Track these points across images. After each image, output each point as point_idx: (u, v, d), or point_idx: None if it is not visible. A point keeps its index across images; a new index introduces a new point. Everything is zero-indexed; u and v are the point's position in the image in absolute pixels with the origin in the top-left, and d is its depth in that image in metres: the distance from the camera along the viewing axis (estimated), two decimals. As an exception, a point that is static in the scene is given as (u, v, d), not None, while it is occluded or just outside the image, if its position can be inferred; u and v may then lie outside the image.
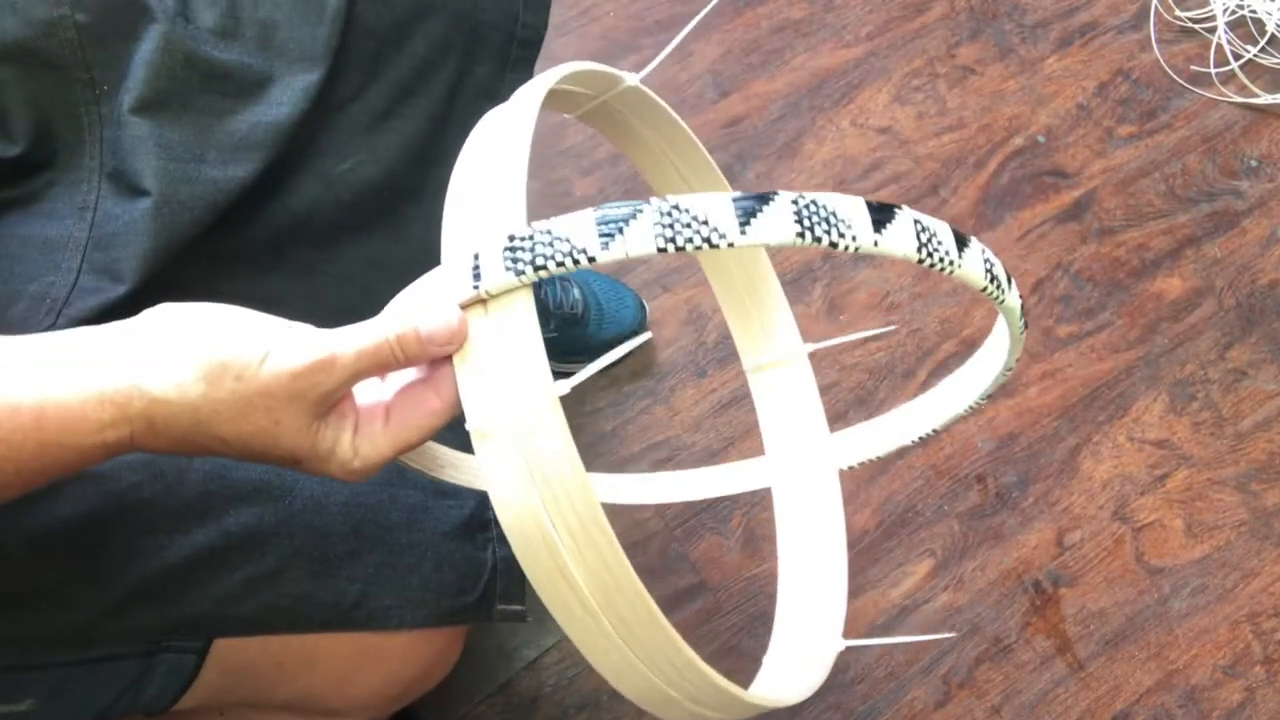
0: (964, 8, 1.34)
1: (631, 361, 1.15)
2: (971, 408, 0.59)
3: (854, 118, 1.28)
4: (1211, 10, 1.36)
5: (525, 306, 0.39)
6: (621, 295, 1.12)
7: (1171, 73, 1.33)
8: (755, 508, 1.09)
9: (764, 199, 0.37)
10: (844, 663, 1.05)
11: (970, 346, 1.18)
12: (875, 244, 0.37)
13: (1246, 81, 1.33)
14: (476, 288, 0.39)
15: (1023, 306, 0.46)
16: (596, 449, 1.11)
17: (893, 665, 1.05)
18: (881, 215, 0.38)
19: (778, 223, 0.37)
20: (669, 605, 1.05)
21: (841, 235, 0.37)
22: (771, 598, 1.08)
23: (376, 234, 0.65)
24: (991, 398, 1.16)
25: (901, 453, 1.13)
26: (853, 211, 0.37)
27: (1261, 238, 1.26)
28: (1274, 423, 1.18)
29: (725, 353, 1.16)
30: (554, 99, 0.54)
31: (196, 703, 0.59)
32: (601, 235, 0.37)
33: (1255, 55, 1.34)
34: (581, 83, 0.52)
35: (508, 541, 0.66)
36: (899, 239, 0.38)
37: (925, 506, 1.12)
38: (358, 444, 0.42)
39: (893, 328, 0.78)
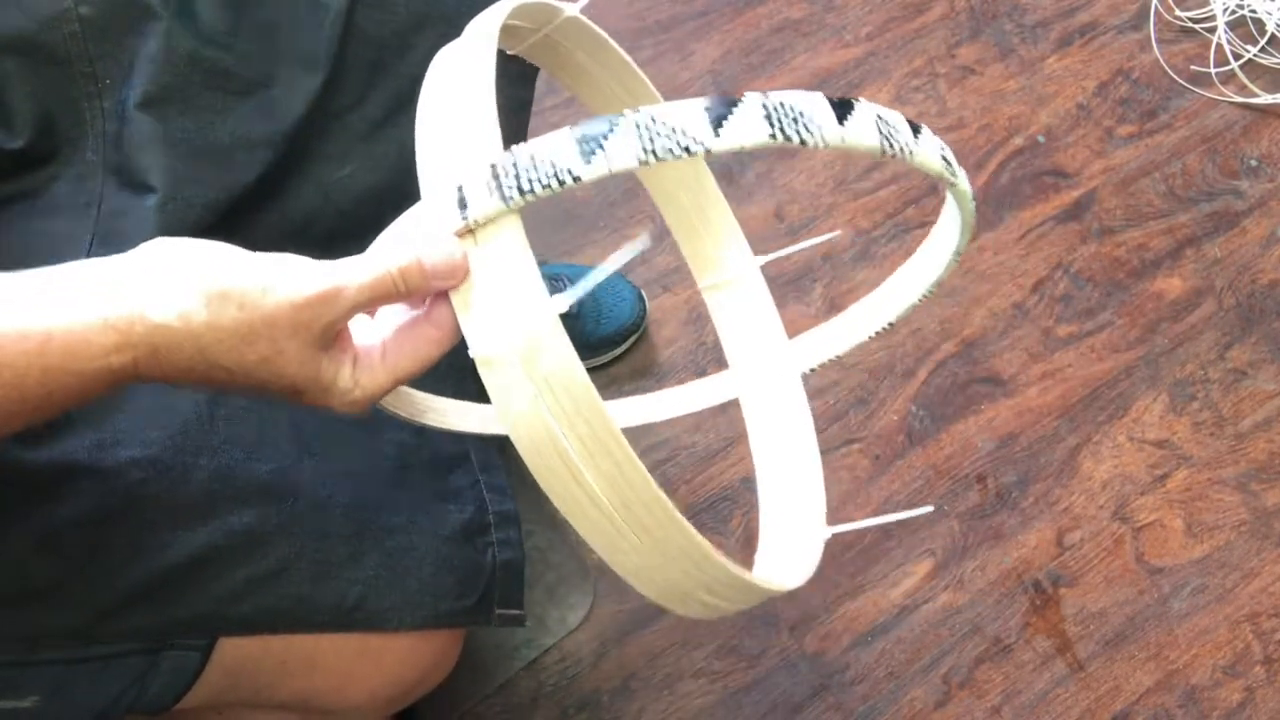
0: (964, 8, 1.35)
1: (631, 361, 1.15)
2: (924, 296, 0.60)
3: (854, 118, 1.28)
4: (1211, 10, 1.36)
5: (515, 231, 0.40)
6: (619, 290, 1.12)
7: (1171, 73, 1.33)
8: (755, 508, 1.09)
9: (732, 103, 0.37)
10: (844, 662, 1.05)
11: (970, 346, 1.18)
12: (842, 139, 0.38)
13: (1246, 81, 1.33)
14: (464, 219, 0.40)
15: (972, 192, 0.46)
16: (597, 449, 1.11)
17: (893, 665, 1.05)
18: (842, 110, 0.39)
19: (749, 125, 0.37)
20: (669, 605, 1.06)
21: (810, 133, 0.38)
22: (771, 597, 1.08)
23: (372, 242, 0.65)
24: (991, 397, 1.16)
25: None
26: (817, 108, 0.38)
27: (1261, 238, 1.26)
28: (1274, 423, 1.18)
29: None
30: (504, 34, 0.55)
31: (198, 702, 0.59)
32: (584, 152, 0.38)
33: (1255, 55, 1.34)
34: (524, 16, 0.53)
35: (508, 545, 0.67)
36: (862, 130, 0.39)
37: (925, 506, 1.12)
38: (357, 376, 0.43)
39: (837, 233, 0.79)
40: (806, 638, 1.06)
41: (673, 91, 1.25)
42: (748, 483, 1.11)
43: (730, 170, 1.22)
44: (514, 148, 0.39)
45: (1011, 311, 1.20)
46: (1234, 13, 1.36)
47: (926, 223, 1.23)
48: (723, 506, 1.09)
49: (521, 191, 0.39)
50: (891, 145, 0.40)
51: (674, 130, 0.37)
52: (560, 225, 1.20)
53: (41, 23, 0.53)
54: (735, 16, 1.31)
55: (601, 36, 0.57)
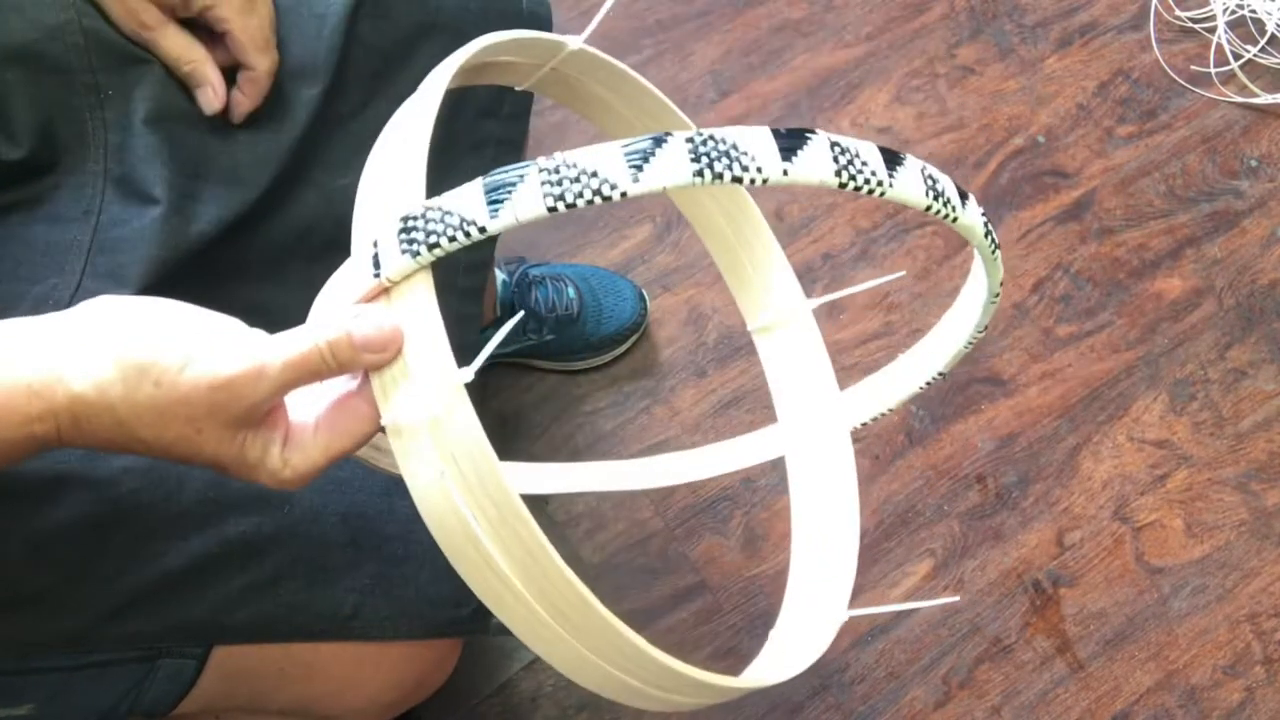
0: (964, 8, 1.34)
1: (631, 361, 1.15)
2: (970, 343, 0.57)
3: (854, 118, 1.28)
4: (1211, 10, 1.36)
5: (424, 290, 0.38)
6: (619, 289, 1.12)
7: (1171, 73, 1.33)
8: (755, 508, 1.09)
9: (658, 141, 0.35)
10: (844, 662, 1.05)
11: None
12: (785, 173, 0.35)
13: (1246, 81, 1.33)
14: (377, 276, 0.38)
15: (987, 223, 0.43)
16: (596, 449, 1.11)
17: (893, 665, 1.06)
18: (791, 142, 0.36)
19: (672, 164, 0.35)
20: (669, 605, 1.06)
21: (745, 168, 0.35)
22: (771, 597, 1.08)
23: None
24: (991, 397, 1.16)
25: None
26: (756, 142, 0.35)
27: (1261, 238, 1.26)
28: (1274, 423, 1.18)
29: (725, 353, 1.16)
30: (497, 72, 0.52)
31: (196, 708, 0.59)
32: (491, 204, 0.36)
33: (1255, 55, 1.34)
34: (517, 53, 0.50)
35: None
36: (812, 165, 0.36)
37: (925, 506, 1.12)
38: (287, 455, 0.41)
39: (901, 273, 0.76)
40: (806, 638, 1.06)
41: (673, 91, 1.25)
42: (747, 483, 1.11)
43: (730, 170, 1.22)
44: (426, 201, 0.37)
45: (1011, 311, 1.20)
46: (1234, 13, 1.36)
47: (926, 223, 1.23)
48: (722, 507, 1.09)
49: (430, 247, 0.36)
50: (854, 179, 0.36)
51: (589, 175, 0.35)
52: (560, 225, 1.20)
53: (44, 33, 0.53)
54: (735, 16, 1.31)
55: (613, 65, 0.54)
